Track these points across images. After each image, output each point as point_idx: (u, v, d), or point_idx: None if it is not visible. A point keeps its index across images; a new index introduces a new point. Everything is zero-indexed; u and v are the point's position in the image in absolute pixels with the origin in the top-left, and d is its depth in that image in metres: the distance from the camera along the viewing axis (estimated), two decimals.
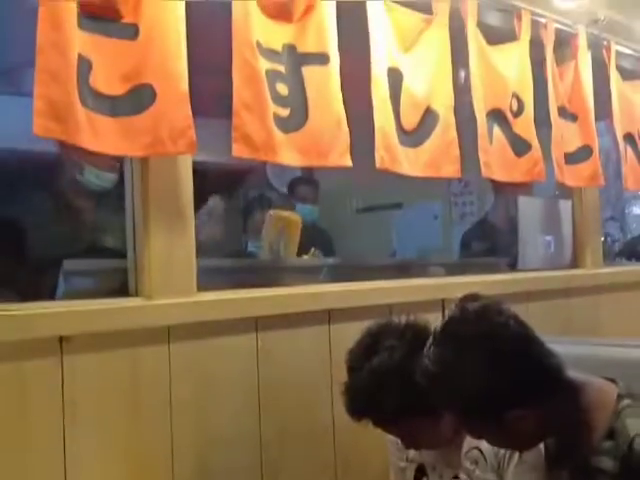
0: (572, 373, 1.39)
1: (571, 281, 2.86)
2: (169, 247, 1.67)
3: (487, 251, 3.32)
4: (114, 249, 1.89)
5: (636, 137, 3.10)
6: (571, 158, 2.76)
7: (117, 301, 1.62)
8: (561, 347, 1.40)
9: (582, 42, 2.81)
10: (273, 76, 1.79)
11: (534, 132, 2.57)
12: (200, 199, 1.75)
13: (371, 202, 4.96)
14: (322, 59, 1.92)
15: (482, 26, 2.42)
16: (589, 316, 2.82)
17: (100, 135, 1.49)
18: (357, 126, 1.97)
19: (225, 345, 1.76)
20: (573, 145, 2.79)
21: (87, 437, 1.52)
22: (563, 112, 2.74)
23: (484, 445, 1.54)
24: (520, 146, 2.53)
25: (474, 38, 2.38)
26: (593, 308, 2.88)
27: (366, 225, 4.77)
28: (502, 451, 1.54)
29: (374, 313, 1.81)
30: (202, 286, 1.73)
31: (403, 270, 2.59)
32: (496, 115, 2.45)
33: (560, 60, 2.77)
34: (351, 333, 1.64)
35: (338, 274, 2.38)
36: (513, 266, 2.83)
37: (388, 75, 2.10)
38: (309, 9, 1.92)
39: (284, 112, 1.81)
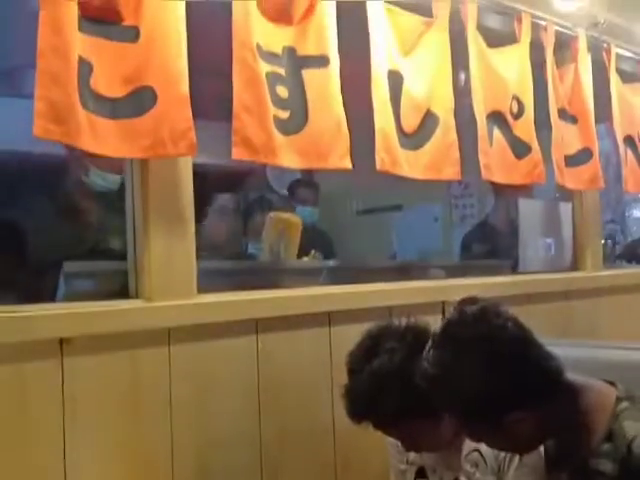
0: (571, 376, 1.39)
1: (571, 284, 2.86)
2: (169, 249, 1.67)
3: (487, 253, 3.32)
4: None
5: (636, 140, 3.10)
6: (571, 160, 2.76)
7: (117, 303, 1.62)
8: (560, 349, 1.40)
9: (582, 45, 2.82)
10: (273, 79, 1.79)
11: (534, 134, 2.58)
12: (200, 200, 1.75)
13: (371, 204, 4.96)
14: (322, 62, 1.92)
15: (482, 29, 2.43)
16: (589, 319, 2.82)
17: (100, 137, 1.49)
18: (358, 128, 1.98)
19: (225, 347, 1.76)
20: (573, 147, 2.80)
21: (87, 439, 1.52)
22: (563, 114, 2.75)
23: (484, 448, 1.54)
24: (520, 148, 2.54)
25: (474, 41, 2.38)
26: (593, 311, 2.88)
27: (366, 227, 4.77)
28: (502, 454, 1.54)
29: (374, 315, 1.82)
30: (202, 288, 1.73)
31: (403, 272, 2.59)
32: (496, 117, 2.45)
33: (560, 63, 2.77)
34: (351, 335, 1.64)
35: (338, 276, 2.38)
36: (513, 268, 2.83)
37: (388, 78, 2.10)
38: (309, 12, 1.92)
39: (284, 115, 1.81)
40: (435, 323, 1.44)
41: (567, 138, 2.75)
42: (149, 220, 1.65)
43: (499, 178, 2.47)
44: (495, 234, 3.43)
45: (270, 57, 1.81)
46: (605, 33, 2.88)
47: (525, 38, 2.58)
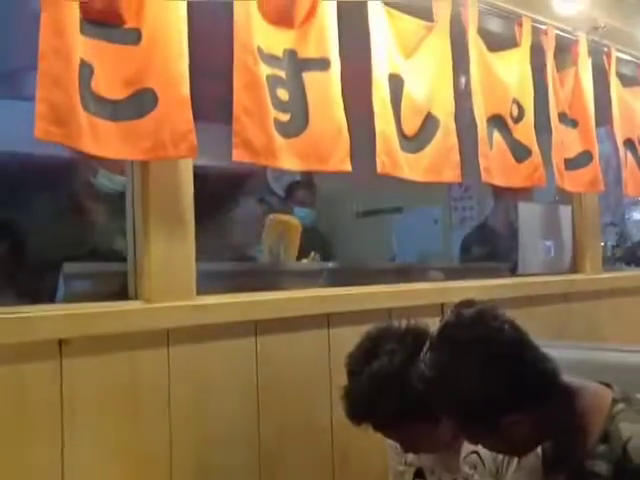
0: (567, 378, 1.39)
1: (571, 286, 2.87)
2: (169, 250, 1.68)
3: (487, 256, 3.32)
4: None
5: (636, 143, 3.11)
6: (571, 164, 2.77)
7: (117, 304, 1.62)
8: (556, 351, 1.41)
9: (582, 49, 2.82)
10: (274, 81, 1.80)
11: (534, 138, 2.58)
12: (200, 202, 1.75)
13: (371, 206, 4.96)
14: (323, 65, 1.93)
15: (483, 32, 2.43)
16: (588, 321, 2.83)
17: (101, 139, 1.50)
18: (358, 131, 1.98)
19: (224, 348, 1.77)
20: (573, 151, 2.80)
21: (86, 439, 1.52)
22: (563, 118, 2.75)
23: (483, 450, 1.54)
24: (520, 152, 2.54)
25: (475, 44, 2.39)
26: (592, 313, 2.88)
27: (366, 229, 4.77)
28: (501, 456, 1.54)
29: (373, 317, 1.82)
30: (202, 289, 1.74)
31: (403, 274, 2.59)
32: (496, 121, 2.46)
33: (561, 66, 2.78)
34: (350, 337, 1.64)
35: (337, 278, 2.39)
36: (513, 271, 2.83)
37: (389, 81, 2.11)
38: (310, 15, 1.92)
39: (284, 117, 1.82)
40: (434, 325, 1.45)
41: (567, 141, 2.76)
42: (149, 222, 1.65)
43: (499, 181, 2.47)
44: (494, 236, 3.43)
45: (271, 60, 1.81)
46: (605, 37, 2.89)
47: (526, 42, 2.58)
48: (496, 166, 2.43)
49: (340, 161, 1.94)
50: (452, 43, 2.30)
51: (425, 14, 2.27)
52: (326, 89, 1.93)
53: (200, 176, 1.76)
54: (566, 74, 2.82)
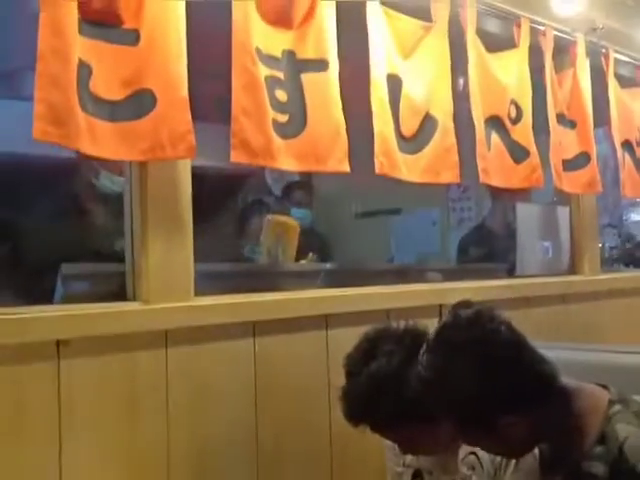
0: (564, 379, 1.39)
1: (569, 287, 2.87)
2: (167, 251, 1.67)
3: (484, 256, 3.32)
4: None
5: (634, 144, 3.11)
6: (569, 165, 2.77)
7: (115, 305, 1.62)
8: (553, 353, 1.41)
9: (581, 50, 2.83)
10: (272, 82, 1.80)
11: (532, 139, 2.58)
12: (199, 203, 1.76)
13: (370, 207, 4.96)
14: (321, 65, 1.93)
15: (481, 33, 2.43)
16: (587, 322, 2.83)
17: (99, 140, 1.50)
18: (357, 132, 1.98)
19: (222, 349, 1.76)
20: (571, 152, 2.80)
21: (84, 441, 1.52)
22: (562, 119, 2.76)
23: (481, 451, 1.54)
24: (518, 153, 2.54)
25: (473, 45, 2.39)
26: (591, 314, 2.88)
27: (364, 230, 4.77)
28: (499, 457, 1.54)
29: (372, 318, 1.82)
30: (200, 290, 1.74)
31: (401, 275, 2.59)
32: (494, 122, 2.46)
33: (559, 67, 2.78)
34: (348, 338, 1.64)
35: (336, 279, 2.38)
36: (511, 272, 2.84)
37: (387, 81, 2.11)
38: (309, 15, 1.92)
39: (283, 118, 1.82)
40: (432, 326, 1.45)
41: (565, 142, 2.76)
42: (147, 222, 1.65)
43: (497, 182, 2.47)
44: (491, 237, 3.44)
45: (269, 61, 1.81)
46: (604, 38, 2.89)
47: (524, 43, 2.59)
48: (494, 167, 2.43)
49: (338, 162, 1.94)
50: (450, 44, 2.30)
51: (423, 14, 2.27)
52: (324, 90, 1.93)
53: (198, 176, 1.75)
54: (564, 75, 2.83)
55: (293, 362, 1.90)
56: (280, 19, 1.87)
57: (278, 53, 1.85)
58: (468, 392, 1.31)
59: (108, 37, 1.54)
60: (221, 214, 3.51)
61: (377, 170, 2.05)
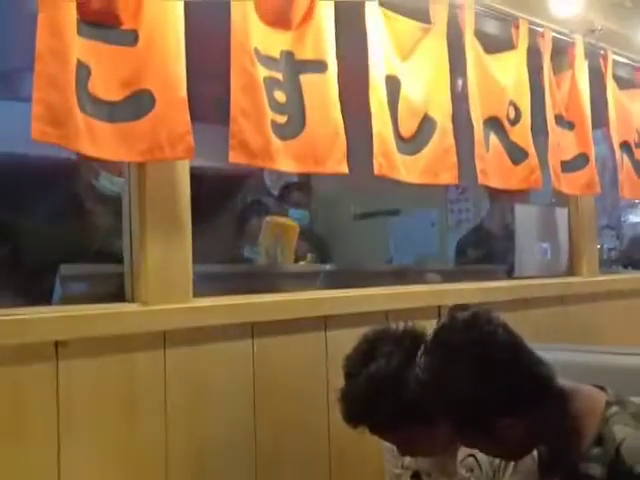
0: (561, 381, 1.39)
1: (567, 289, 2.87)
2: (166, 252, 1.67)
3: (482, 258, 3.32)
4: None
5: (632, 145, 3.11)
6: (568, 166, 2.77)
7: (113, 306, 1.62)
8: (551, 354, 1.41)
9: (579, 51, 2.83)
10: (271, 83, 1.80)
11: (531, 140, 2.58)
12: (197, 204, 1.75)
13: (368, 208, 4.96)
14: (320, 67, 1.93)
15: (480, 35, 2.44)
16: (585, 323, 2.83)
17: (98, 140, 1.50)
18: (356, 133, 1.98)
19: (221, 350, 1.76)
20: (570, 153, 2.81)
21: (82, 442, 1.52)
22: (560, 120, 2.76)
23: (480, 453, 1.54)
24: (517, 154, 2.55)
25: (472, 47, 2.39)
26: (589, 316, 2.88)
27: (363, 231, 4.77)
28: (497, 460, 1.54)
29: (370, 319, 1.82)
30: (198, 291, 1.73)
31: (400, 277, 2.59)
32: (493, 123, 2.46)
33: (557, 69, 2.79)
34: (347, 339, 1.64)
35: (334, 280, 2.38)
36: (509, 273, 2.84)
37: (386, 82, 2.11)
38: (308, 16, 1.92)
39: (281, 119, 1.82)
40: (431, 327, 1.45)
41: (564, 144, 2.76)
42: (146, 223, 1.65)
43: (496, 183, 2.47)
44: (489, 239, 3.44)
45: (268, 61, 1.81)
46: (602, 40, 2.89)
47: (522, 44, 2.59)
48: (493, 168, 2.44)
49: (337, 163, 1.94)
50: (449, 45, 2.30)
51: (422, 16, 2.28)
52: (323, 91, 1.93)
53: (197, 177, 1.75)
54: (563, 76, 2.83)
55: (292, 363, 1.90)
56: (279, 20, 1.87)
57: (277, 54, 1.85)
58: (466, 394, 1.31)
59: (107, 38, 1.54)
60: (220, 215, 3.51)
61: (376, 171, 2.05)
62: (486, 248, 3.39)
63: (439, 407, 1.37)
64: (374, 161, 2.04)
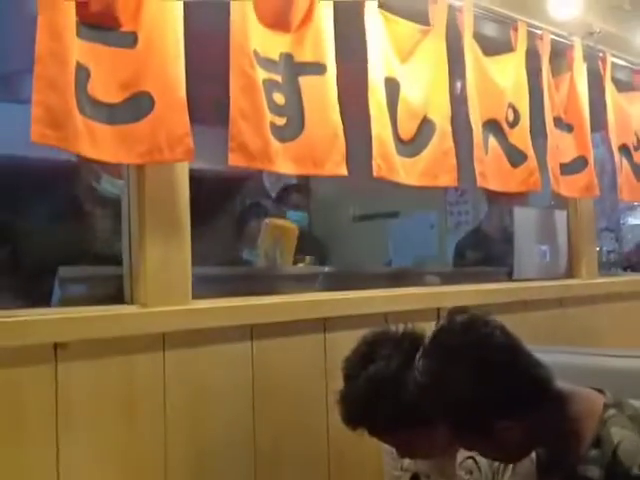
0: (559, 383, 1.39)
1: (566, 291, 2.87)
2: (165, 254, 1.67)
3: (480, 260, 3.32)
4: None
5: (631, 148, 3.12)
6: (566, 169, 2.78)
7: (112, 308, 1.62)
8: (549, 356, 1.41)
9: (578, 54, 2.83)
10: (270, 85, 1.80)
11: (530, 143, 2.59)
12: (196, 206, 1.76)
13: (367, 211, 4.96)
14: (319, 69, 1.93)
15: (478, 37, 2.44)
16: (584, 326, 2.83)
17: (98, 143, 1.50)
18: (355, 135, 1.98)
19: (220, 353, 1.76)
20: (569, 156, 2.81)
21: (81, 444, 1.52)
22: (559, 123, 2.76)
23: (479, 455, 1.54)
24: (516, 156, 2.55)
25: (470, 49, 2.39)
26: (588, 318, 2.88)
27: (362, 233, 4.77)
28: (497, 462, 1.54)
29: (370, 322, 1.82)
30: (197, 294, 1.73)
31: (399, 279, 2.59)
32: (492, 125, 2.47)
33: (556, 71, 2.79)
34: (346, 342, 1.64)
35: (334, 282, 2.38)
36: (509, 276, 2.84)
37: (385, 85, 2.11)
38: (307, 19, 1.93)
39: (280, 121, 1.82)
40: (430, 330, 1.45)
41: (562, 146, 2.77)
42: (145, 225, 1.65)
43: (495, 186, 2.48)
44: (487, 241, 3.44)
45: (267, 64, 1.81)
46: (601, 42, 2.90)
47: (521, 47, 2.59)
48: (491, 171, 2.44)
49: (336, 165, 1.94)
50: (448, 47, 2.30)
51: (421, 18, 2.28)
52: (322, 93, 1.93)
53: (196, 179, 1.75)
54: (561, 79, 2.83)
55: (291, 365, 1.90)
56: (278, 22, 1.87)
57: (276, 56, 1.85)
58: (464, 397, 1.32)
59: (106, 40, 1.54)
60: (219, 217, 3.51)
61: (375, 173, 2.05)
62: (484, 250, 3.39)
63: (437, 410, 1.37)
64: (373, 163, 2.04)
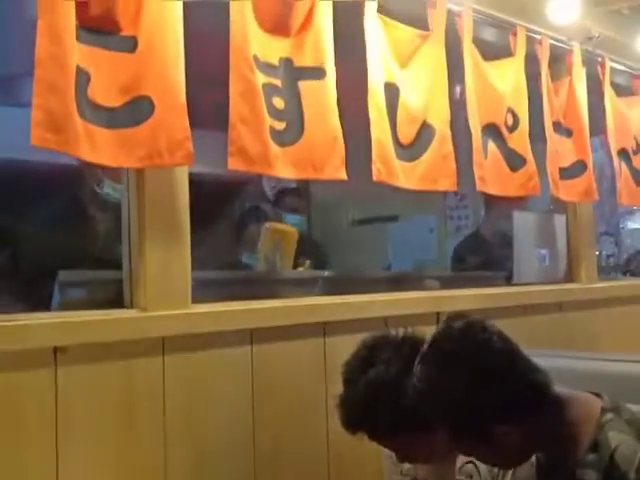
0: (557, 387, 1.40)
1: (566, 295, 2.87)
2: (164, 259, 1.67)
3: (478, 264, 3.32)
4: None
5: (630, 153, 3.12)
6: (566, 173, 2.78)
7: (112, 312, 1.62)
8: (547, 361, 1.42)
9: (577, 58, 2.84)
10: (270, 90, 1.80)
11: (529, 147, 2.59)
12: (196, 210, 1.76)
13: (367, 215, 4.96)
14: (319, 73, 1.93)
15: (478, 42, 2.45)
16: (584, 330, 2.83)
17: (98, 147, 1.50)
18: (354, 139, 1.98)
19: (220, 357, 1.76)
20: (568, 160, 2.81)
21: (80, 448, 1.52)
22: (558, 127, 2.77)
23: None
24: (515, 161, 2.55)
25: (470, 54, 2.40)
26: (588, 322, 2.88)
27: (362, 237, 4.77)
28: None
29: (369, 326, 1.82)
30: (197, 298, 1.73)
31: (398, 283, 2.59)
32: (491, 130, 2.47)
33: (555, 76, 2.80)
34: (346, 346, 1.64)
35: (333, 286, 2.38)
36: (508, 280, 2.84)
37: (385, 89, 2.11)
38: (306, 23, 1.93)
39: (280, 125, 1.82)
40: (430, 334, 1.45)
41: (562, 151, 2.77)
42: (145, 230, 1.65)
43: (494, 190, 2.48)
44: (485, 245, 3.44)
45: (267, 68, 1.82)
46: (599, 47, 2.90)
47: (520, 51, 2.60)
48: (491, 175, 2.44)
49: (335, 169, 1.95)
50: (447, 52, 2.31)
51: (420, 23, 2.28)
52: (322, 98, 1.93)
53: (196, 183, 1.75)
54: (560, 84, 2.84)
55: (290, 369, 1.90)
56: (278, 27, 1.87)
57: (275, 61, 1.85)
58: (462, 402, 1.32)
59: (106, 44, 1.55)
60: (218, 221, 3.51)
61: (374, 177, 2.05)
62: (482, 254, 3.39)
63: (436, 415, 1.38)
64: (373, 167, 2.05)
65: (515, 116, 2.55)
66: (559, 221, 2.99)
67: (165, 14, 1.63)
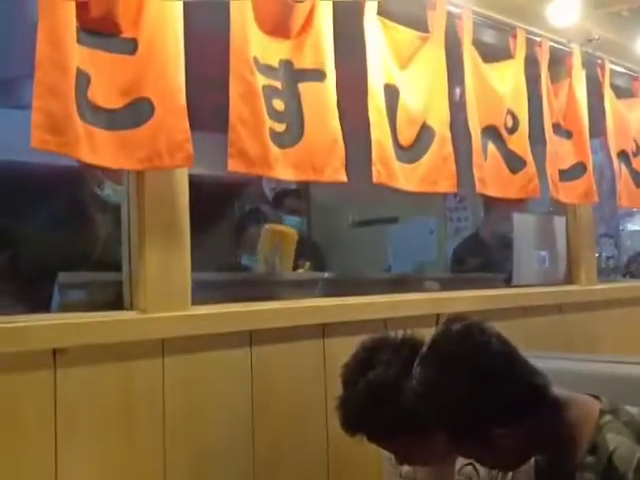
0: (556, 390, 1.40)
1: (566, 297, 2.87)
2: (164, 260, 1.67)
3: (477, 266, 3.33)
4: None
5: (630, 154, 3.12)
6: (565, 175, 2.78)
7: (112, 314, 1.62)
8: (546, 362, 1.42)
9: (577, 60, 2.84)
10: (270, 92, 1.81)
11: (529, 149, 2.59)
12: (196, 212, 1.76)
13: (367, 216, 4.97)
14: (319, 75, 1.94)
15: (478, 44, 2.45)
16: (584, 332, 2.83)
17: (98, 148, 1.50)
18: (354, 141, 1.99)
19: (219, 358, 1.76)
20: (567, 162, 2.82)
21: (80, 450, 1.52)
22: (558, 129, 2.77)
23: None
24: (515, 163, 2.55)
25: (470, 56, 2.40)
26: (588, 324, 2.88)
27: (361, 239, 4.77)
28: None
29: (369, 328, 1.82)
30: (197, 300, 1.73)
31: (398, 285, 2.59)
32: (491, 132, 2.47)
33: (555, 78, 2.80)
34: (346, 347, 1.64)
35: (333, 288, 2.38)
36: (508, 282, 2.84)
37: (384, 91, 2.12)
38: (306, 25, 1.93)
39: (280, 127, 1.82)
40: (430, 336, 1.45)
41: (561, 152, 2.77)
42: (144, 231, 1.65)
43: (494, 192, 2.48)
44: (484, 247, 3.44)
45: (267, 70, 1.82)
46: (599, 49, 2.91)
47: (520, 53, 2.60)
48: (490, 177, 2.44)
49: (335, 171, 1.95)
50: (447, 54, 2.31)
51: (420, 25, 2.29)
52: (322, 99, 1.94)
53: (196, 185, 1.76)
54: (560, 85, 2.84)
55: (290, 371, 1.90)
56: (278, 29, 1.88)
57: (275, 63, 1.86)
58: (460, 405, 1.32)
59: (106, 46, 1.55)
60: (218, 223, 3.51)
61: (374, 179, 2.05)
62: (481, 256, 3.39)
63: (435, 418, 1.38)
64: (373, 169, 2.05)
65: (515, 118, 2.56)
66: (559, 223, 2.99)
67: (165, 16, 1.63)
